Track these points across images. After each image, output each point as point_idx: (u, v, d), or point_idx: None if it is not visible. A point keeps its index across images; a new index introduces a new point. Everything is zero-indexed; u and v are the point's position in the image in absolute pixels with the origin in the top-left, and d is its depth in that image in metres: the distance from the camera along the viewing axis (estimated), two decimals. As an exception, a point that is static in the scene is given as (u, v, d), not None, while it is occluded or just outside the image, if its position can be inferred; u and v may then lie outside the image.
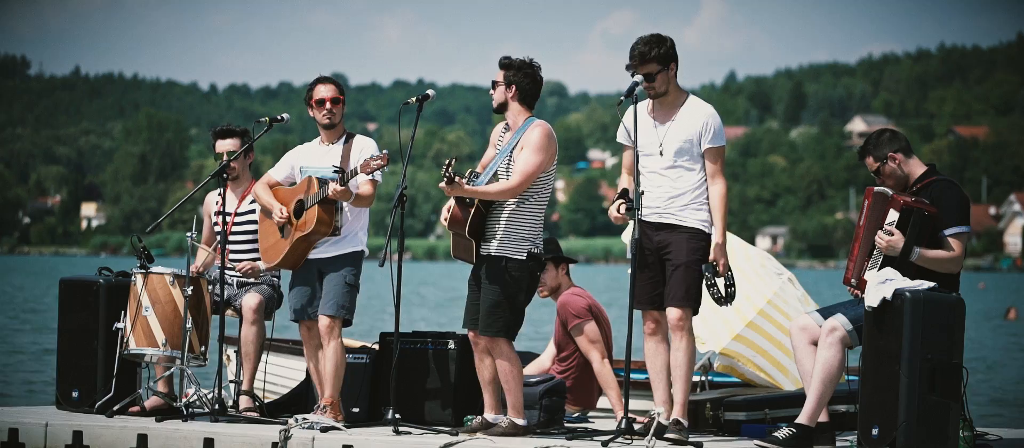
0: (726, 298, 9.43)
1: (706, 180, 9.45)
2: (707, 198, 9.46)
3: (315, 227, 10.19)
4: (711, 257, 9.37)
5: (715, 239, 9.39)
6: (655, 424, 9.33)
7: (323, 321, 10.21)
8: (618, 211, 9.43)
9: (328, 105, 10.33)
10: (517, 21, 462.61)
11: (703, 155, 9.42)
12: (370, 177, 10.16)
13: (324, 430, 9.79)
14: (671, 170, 9.43)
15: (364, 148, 10.32)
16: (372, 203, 10.32)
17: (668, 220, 9.44)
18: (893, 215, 9.18)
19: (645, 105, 9.58)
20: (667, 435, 9.35)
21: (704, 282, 9.41)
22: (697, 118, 9.41)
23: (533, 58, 9.72)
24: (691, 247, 9.39)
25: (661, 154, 9.43)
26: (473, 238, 9.65)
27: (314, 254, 10.33)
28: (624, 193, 9.50)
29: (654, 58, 9.38)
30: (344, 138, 10.41)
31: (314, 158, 10.42)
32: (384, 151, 10.12)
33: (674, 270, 9.41)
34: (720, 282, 9.41)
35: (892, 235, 9.13)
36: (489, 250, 9.66)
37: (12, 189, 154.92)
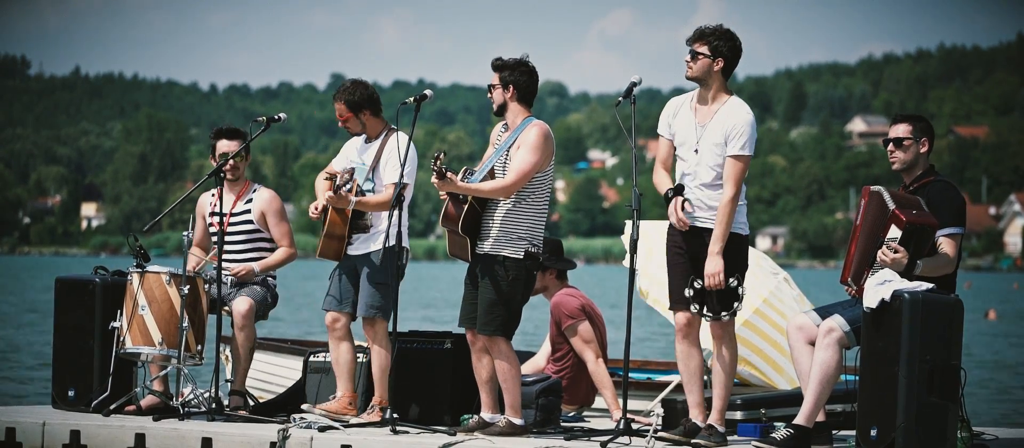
0: (731, 312, 9.33)
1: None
2: (743, 202, 9.36)
3: (328, 227, 10.27)
4: (705, 270, 9.23)
5: (711, 246, 9.25)
6: (697, 428, 9.28)
7: (363, 324, 10.27)
8: (680, 211, 9.27)
9: (341, 124, 10.43)
10: (515, 20, 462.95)
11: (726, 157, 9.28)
12: (390, 181, 10.18)
13: (322, 430, 9.77)
14: (708, 172, 9.30)
15: (394, 149, 10.31)
16: (386, 209, 10.21)
17: (705, 224, 9.32)
18: (896, 232, 9.10)
19: (691, 98, 9.49)
20: (697, 440, 9.30)
21: (692, 306, 9.30)
22: (729, 122, 9.27)
23: (527, 54, 9.71)
24: (729, 253, 9.24)
25: (697, 152, 9.35)
26: (467, 236, 9.63)
27: (352, 249, 10.36)
28: (680, 188, 9.36)
29: (707, 42, 9.31)
30: (383, 135, 10.42)
31: (354, 153, 10.47)
32: (349, 166, 10.24)
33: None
34: (737, 294, 9.30)
35: (897, 253, 9.05)
36: (485, 248, 9.64)
37: (12, 189, 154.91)
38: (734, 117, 9.28)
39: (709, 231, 9.28)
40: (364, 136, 10.45)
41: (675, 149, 9.46)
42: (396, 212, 10.20)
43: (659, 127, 9.51)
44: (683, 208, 9.28)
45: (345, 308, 10.33)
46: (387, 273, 10.20)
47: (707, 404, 9.49)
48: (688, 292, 9.28)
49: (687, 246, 9.35)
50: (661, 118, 9.51)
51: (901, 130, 9.38)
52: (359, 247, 10.34)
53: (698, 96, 9.43)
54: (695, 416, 9.40)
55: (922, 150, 9.37)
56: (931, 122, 9.60)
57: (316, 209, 10.36)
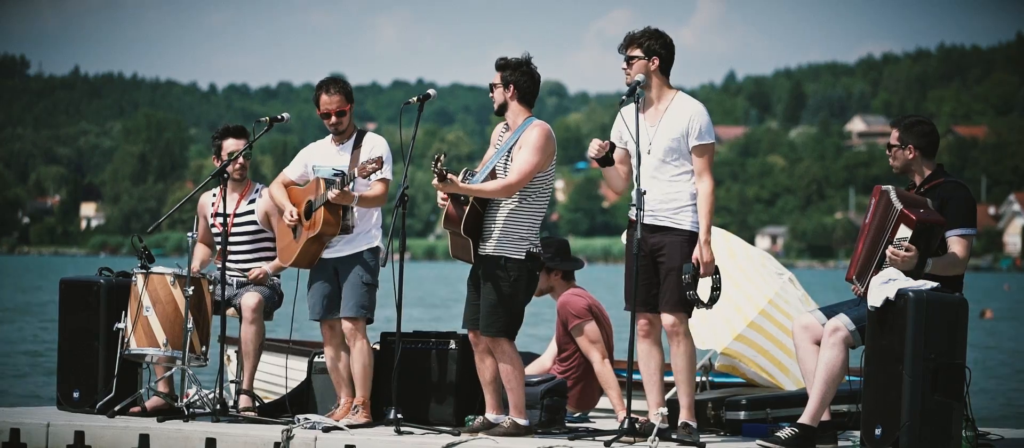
0: (708, 303, 9.37)
1: None
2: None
3: (322, 228, 10.22)
4: (694, 257, 9.31)
5: (700, 237, 9.33)
6: (656, 428, 9.30)
7: (346, 324, 10.25)
8: (598, 144, 9.46)
9: (333, 118, 10.35)
10: (514, 20, 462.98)
11: (691, 153, 9.39)
12: (379, 177, 10.18)
13: (326, 430, 9.78)
14: (664, 171, 9.38)
15: (374, 148, 10.31)
16: (384, 203, 10.31)
17: (662, 223, 9.39)
18: (906, 231, 9.11)
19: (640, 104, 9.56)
20: (674, 437, 9.31)
21: (683, 284, 9.35)
22: (683, 117, 9.36)
23: (528, 54, 9.73)
24: (685, 251, 9.33)
25: (650, 153, 9.40)
26: (469, 237, 9.64)
27: (329, 253, 10.33)
28: (614, 147, 9.51)
29: (639, 44, 9.41)
30: (355, 138, 10.41)
31: (325, 157, 10.42)
32: (378, 154, 10.15)
33: (668, 274, 9.36)
34: (704, 284, 9.36)
35: (909, 252, 9.07)
36: (487, 250, 9.64)
37: (12, 189, 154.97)
38: (686, 112, 9.38)
39: (664, 228, 9.36)
40: (331, 138, 10.43)
41: (628, 156, 9.50)
42: (379, 211, 10.27)
43: (612, 135, 9.59)
44: (608, 150, 9.42)
45: (337, 314, 10.33)
46: (376, 274, 10.22)
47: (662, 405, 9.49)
48: (685, 278, 9.30)
49: (645, 246, 9.39)
50: (614, 127, 9.58)
51: (891, 136, 9.45)
52: (342, 249, 10.32)
53: (644, 100, 9.48)
54: (653, 416, 9.41)
55: (909, 156, 9.39)
56: (933, 124, 9.58)
57: (292, 216, 10.33)
